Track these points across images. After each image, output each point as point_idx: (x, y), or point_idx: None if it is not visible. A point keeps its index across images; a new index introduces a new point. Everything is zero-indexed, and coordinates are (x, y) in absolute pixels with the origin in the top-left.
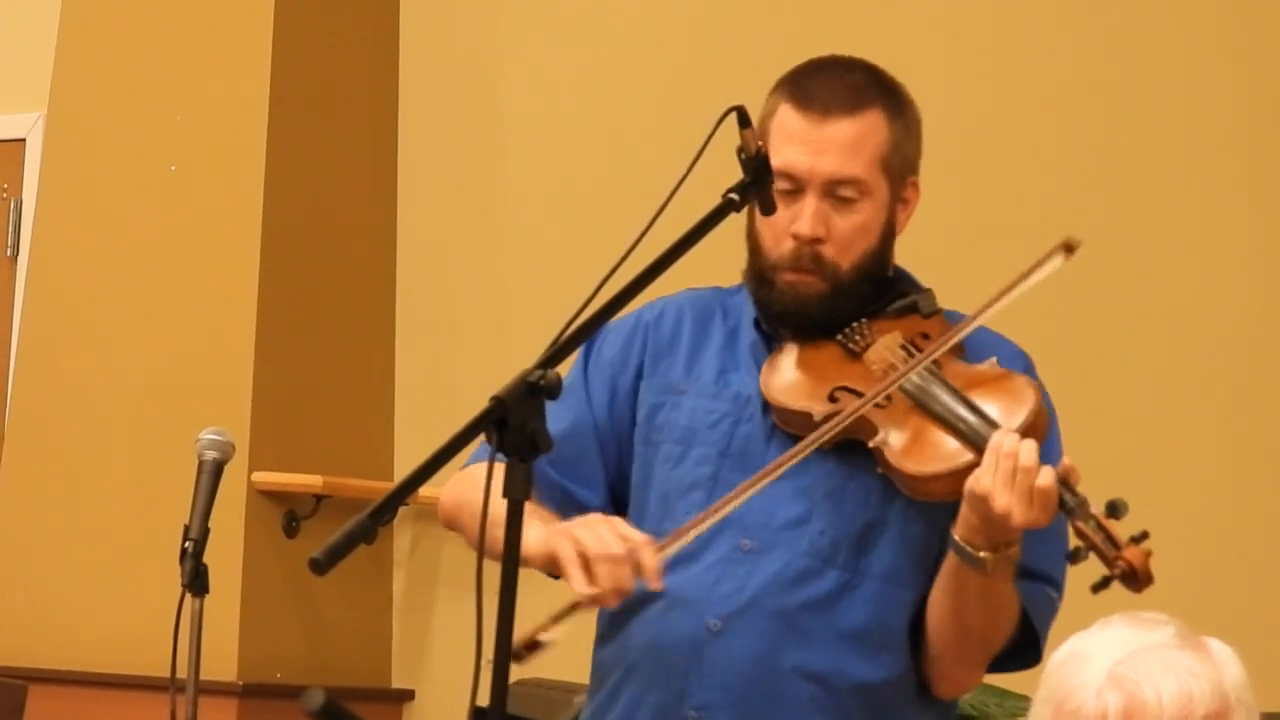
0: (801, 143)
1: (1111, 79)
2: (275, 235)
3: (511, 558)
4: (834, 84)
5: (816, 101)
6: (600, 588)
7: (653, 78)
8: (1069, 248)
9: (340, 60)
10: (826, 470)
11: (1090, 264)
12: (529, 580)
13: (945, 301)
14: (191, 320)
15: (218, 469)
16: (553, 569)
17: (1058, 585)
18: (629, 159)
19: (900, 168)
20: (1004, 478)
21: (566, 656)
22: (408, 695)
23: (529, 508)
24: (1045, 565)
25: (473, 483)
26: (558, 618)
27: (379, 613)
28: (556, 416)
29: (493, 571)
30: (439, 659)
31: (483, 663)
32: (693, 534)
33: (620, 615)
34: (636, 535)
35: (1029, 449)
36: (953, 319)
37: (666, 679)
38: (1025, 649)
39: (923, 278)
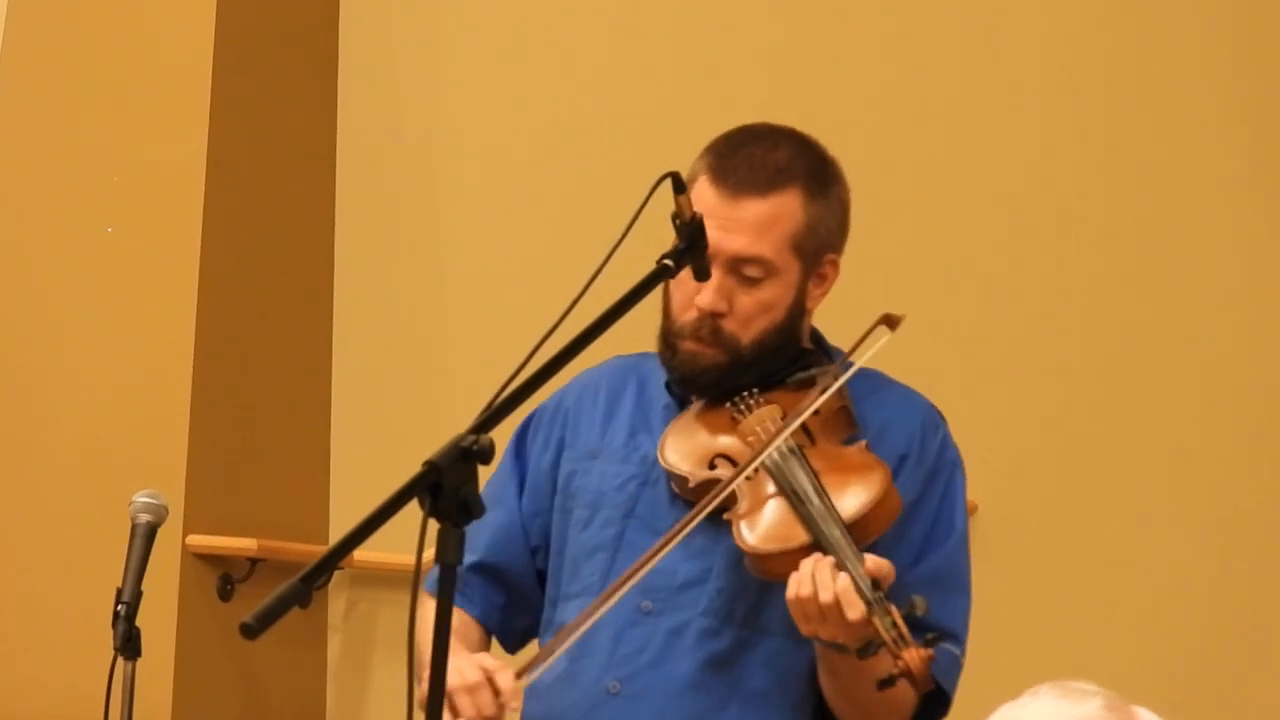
0: (711, 218)
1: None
2: (211, 297)
3: (442, 626)
4: (754, 161)
5: (731, 178)
6: (464, 717)
7: (593, 149)
8: (890, 322)
9: (278, 124)
10: (723, 529)
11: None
12: None
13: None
14: (126, 382)
15: (151, 532)
16: None
17: (959, 640)
18: (568, 222)
19: (815, 247)
20: (804, 612)
21: None
22: None
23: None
24: (946, 620)
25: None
26: None
27: (314, 677)
28: (484, 529)
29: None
30: None
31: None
32: (557, 653)
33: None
34: (492, 664)
35: (824, 577)
36: (858, 380)
37: None
38: (934, 703)
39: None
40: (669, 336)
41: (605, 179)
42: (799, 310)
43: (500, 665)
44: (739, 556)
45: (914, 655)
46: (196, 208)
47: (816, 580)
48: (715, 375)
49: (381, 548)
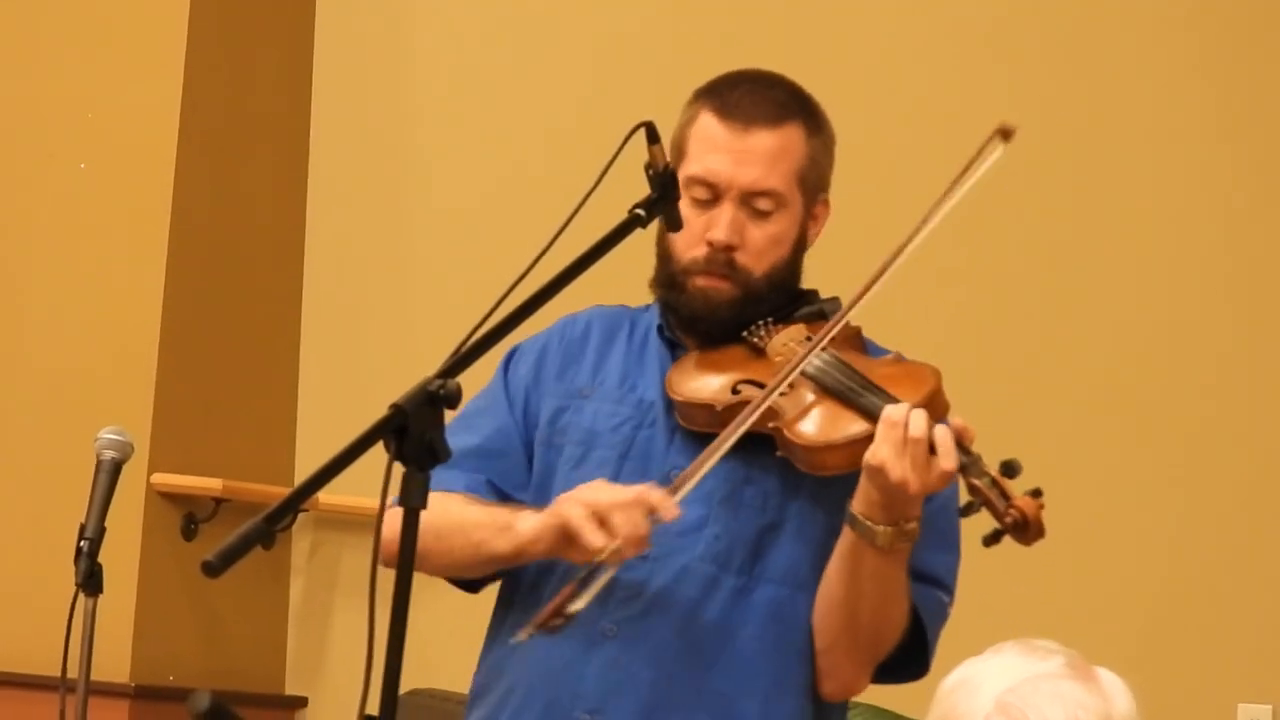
0: (724, 152)
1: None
2: (183, 236)
3: (405, 568)
4: (757, 97)
5: (740, 112)
6: (619, 536)
7: (563, 96)
8: (1005, 133)
9: (253, 64)
10: (724, 474)
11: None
12: (420, 591)
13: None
14: (95, 319)
15: (116, 468)
16: (560, 543)
17: (949, 590)
18: (539, 172)
19: (815, 183)
20: (896, 448)
21: (458, 667)
22: (300, 702)
23: (488, 509)
24: (938, 570)
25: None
26: (583, 581)
27: (275, 618)
28: (480, 425)
29: (386, 581)
30: (333, 667)
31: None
32: (699, 475)
33: (508, 622)
34: (635, 486)
35: (919, 417)
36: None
37: (559, 682)
38: (913, 657)
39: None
40: (675, 277)
41: (578, 127)
42: (802, 246)
43: (644, 485)
44: (744, 499)
45: (1027, 502)
46: (170, 146)
47: (911, 421)
48: (729, 310)
49: (346, 491)
